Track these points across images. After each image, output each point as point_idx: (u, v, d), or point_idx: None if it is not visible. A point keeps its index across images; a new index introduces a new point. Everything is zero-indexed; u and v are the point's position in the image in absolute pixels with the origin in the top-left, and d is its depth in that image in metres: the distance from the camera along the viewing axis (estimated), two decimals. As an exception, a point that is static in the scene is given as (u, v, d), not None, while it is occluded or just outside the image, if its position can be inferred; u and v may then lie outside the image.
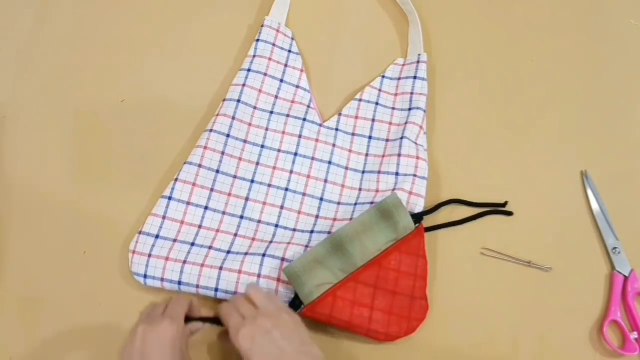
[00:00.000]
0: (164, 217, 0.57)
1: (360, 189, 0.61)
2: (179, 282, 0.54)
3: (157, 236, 0.56)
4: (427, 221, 0.59)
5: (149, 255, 0.55)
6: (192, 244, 0.56)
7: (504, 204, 0.61)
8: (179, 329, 0.46)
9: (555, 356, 0.55)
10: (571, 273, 0.58)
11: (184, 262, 0.54)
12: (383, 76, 0.67)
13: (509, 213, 0.61)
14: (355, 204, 0.59)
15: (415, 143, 0.62)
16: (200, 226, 0.57)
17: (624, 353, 0.54)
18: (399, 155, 0.60)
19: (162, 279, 0.54)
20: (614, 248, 0.59)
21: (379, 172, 0.61)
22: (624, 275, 0.57)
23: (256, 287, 0.52)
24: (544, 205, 0.61)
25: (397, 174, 0.60)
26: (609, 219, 0.60)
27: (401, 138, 0.62)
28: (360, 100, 0.65)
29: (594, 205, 0.61)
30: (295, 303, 0.53)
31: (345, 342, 0.55)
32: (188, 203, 0.58)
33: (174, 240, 0.56)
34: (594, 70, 0.69)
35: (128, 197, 0.60)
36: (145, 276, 0.54)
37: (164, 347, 0.44)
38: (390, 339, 0.53)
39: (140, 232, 0.56)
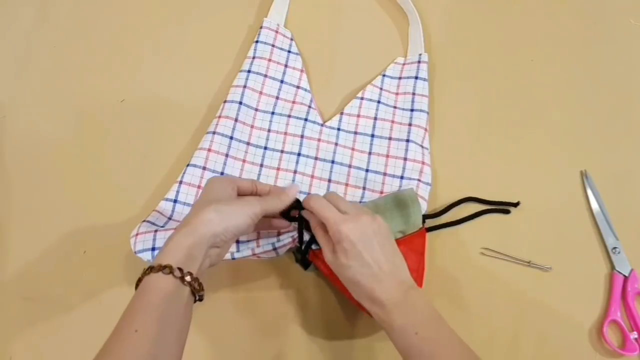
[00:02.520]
0: (170, 218, 0.57)
1: (364, 188, 0.61)
2: None
3: (162, 226, 0.55)
4: (427, 221, 0.59)
5: (156, 231, 0.53)
6: None
7: (517, 204, 0.61)
8: (229, 179, 0.49)
9: (555, 356, 0.55)
10: (571, 273, 0.58)
11: None
12: (384, 75, 0.67)
13: (507, 212, 0.61)
14: (360, 202, 0.60)
15: (422, 146, 0.62)
16: None
17: (624, 353, 0.54)
18: (405, 159, 0.61)
19: None
20: (614, 248, 0.59)
21: (384, 174, 0.61)
22: (624, 275, 0.57)
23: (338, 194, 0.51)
24: (544, 205, 0.61)
25: (402, 177, 0.60)
26: (609, 219, 0.60)
27: (407, 141, 0.62)
28: (362, 98, 0.65)
29: (594, 205, 0.61)
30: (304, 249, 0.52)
31: (346, 331, 0.55)
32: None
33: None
34: (594, 70, 0.69)
35: (128, 197, 0.60)
36: (153, 249, 0.52)
37: (221, 179, 0.49)
38: None
39: (144, 221, 0.55)
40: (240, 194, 0.50)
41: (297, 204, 0.51)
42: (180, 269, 0.41)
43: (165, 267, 0.40)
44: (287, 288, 0.57)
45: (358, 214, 0.46)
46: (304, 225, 0.51)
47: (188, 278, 0.41)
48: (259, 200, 0.48)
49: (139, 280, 0.41)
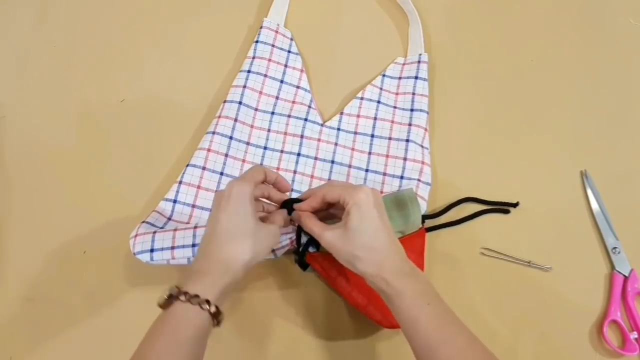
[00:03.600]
0: (169, 219, 0.57)
1: None
2: (194, 245, 0.51)
3: (161, 227, 0.55)
4: (427, 221, 0.59)
5: (154, 233, 0.52)
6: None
7: (516, 204, 0.61)
8: (249, 190, 0.46)
9: (555, 356, 0.55)
10: (571, 273, 0.58)
11: (195, 227, 0.52)
12: (384, 75, 0.67)
13: (507, 212, 0.61)
14: None
15: (422, 146, 0.62)
16: None
17: (624, 353, 0.54)
18: (405, 159, 0.61)
19: (172, 247, 0.51)
20: (614, 248, 0.59)
21: (384, 174, 0.61)
22: (624, 275, 0.57)
23: None
24: (544, 205, 0.61)
25: (402, 177, 0.60)
26: (609, 219, 0.60)
27: (407, 141, 0.62)
28: (362, 98, 0.65)
29: (594, 205, 0.61)
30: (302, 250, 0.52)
31: (346, 331, 0.55)
32: (194, 206, 0.58)
33: (184, 229, 0.54)
34: (594, 70, 0.69)
35: (128, 197, 0.60)
36: (152, 250, 0.51)
37: (237, 199, 0.45)
38: (387, 324, 0.52)
39: (143, 222, 0.55)
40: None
41: (288, 205, 0.51)
42: (217, 307, 0.42)
43: (204, 301, 0.41)
44: (286, 288, 0.57)
45: (361, 185, 0.47)
46: (302, 228, 0.51)
47: (213, 309, 0.42)
48: (280, 214, 0.49)
49: (170, 298, 0.41)
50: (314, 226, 0.48)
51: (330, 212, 0.52)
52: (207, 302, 0.41)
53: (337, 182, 0.49)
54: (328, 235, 0.46)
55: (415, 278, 0.44)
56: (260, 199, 0.52)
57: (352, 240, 0.45)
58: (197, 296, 0.41)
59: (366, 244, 0.45)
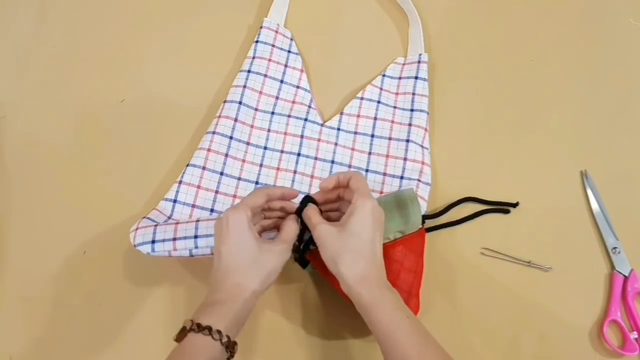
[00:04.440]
0: (169, 218, 0.57)
1: None
2: (196, 237, 0.51)
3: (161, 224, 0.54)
4: (427, 222, 0.59)
5: (156, 225, 0.52)
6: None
7: (515, 204, 0.61)
8: (245, 218, 0.46)
9: (555, 356, 0.55)
10: (571, 273, 0.58)
11: (198, 220, 0.52)
12: (384, 75, 0.67)
13: (507, 212, 0.61)
14: None
15: (422, 146, 0.62)
16: None
17: (624, 353, 0.54)
18: (405, 159, 0.61)
19: (174, 239, 0.51)
20: (614, 248, 0.59)
21: (384, 174, 0.61)
22: (624, 275, 0.57)
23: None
24: (544, 205, 0.61)
25: (402, 177, 0.60)
26: (609, 219, 0.60)
27: (407, 141, 0.62)
28: (362, 98, 0.65)
29: (594, 205, 0.61)
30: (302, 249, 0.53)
31: (345, 330, 0.55)
32: (194, 206, 0.58)
33: (186, 222, 0.54)
34: (594, 70, 0.69)
35: (128, 197, 0.60)
36: (153, 242, 0.51)
37: (235, 228, 0.46)
38: None
39: (144, 217, 0.55)
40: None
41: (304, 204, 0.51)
42: (228, 337, 0.42)
43: (216, 331, 0.42)
44: (285, 285, 0.57)
45: (372, 197, 0.48)
46: (304, 225, 0.51)
47: (225, 339, 0.42)
48: (289, 227, 0.49)
49: (183, 331, 0.42)
50: (312, 216, 0.48)
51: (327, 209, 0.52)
52: (219, 332, 0.42)
53: (364, 178, 0.51)
54: (323, 228, 0.47)
55: (393, 292, 0.46)
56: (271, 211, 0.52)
57: (344, 240, 0.46)
58: (209, 327, 0.41)
59: (356, 249, 0.45)
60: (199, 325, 0.42)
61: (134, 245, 0.51)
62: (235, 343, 0.44)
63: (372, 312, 0.44)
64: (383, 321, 0.43)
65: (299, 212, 0.51)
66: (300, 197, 0.52)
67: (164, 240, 0.51)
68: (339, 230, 0.46)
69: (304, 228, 0.51)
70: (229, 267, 0.45)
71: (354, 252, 0.45)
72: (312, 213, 0.49)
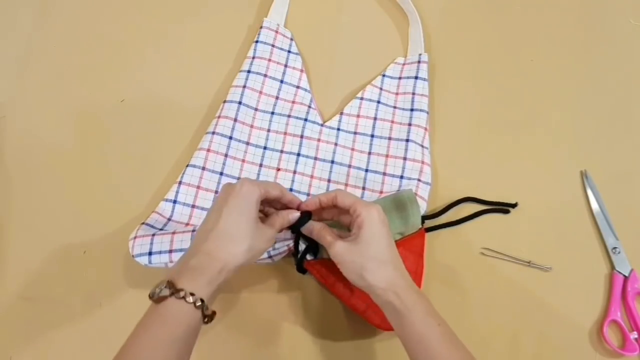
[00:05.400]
0: (169, 219, 0.57)
1: (364, 188, 0.61)
2: None
3: (160, 229, 0.55)
4: (426, 222, 0.59)
5: (153, 235, 0.52)
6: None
7: (515, 205, 0.61)
8: (258, 194, 0.45)
9: (555, 356, 0.55)
10: (571, 273, 0.58)
11: (193, 231, 0.52)
12: (384, 75, 0.67)
13: (507, 212, 0.61)
14: None
15: (422, 146, 0.62)
16: None
17: (624, 353, 0.54)
18: (405, 159, 0.61)
19: (170, 251, 0.51)
20: (614, 248, 0.59)
21: (384, 173, 0.61)
22: (624, 275, 0.57)
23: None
24: (544, 205, 0.61)
25: (402, 177, 0.60)
26: (609, 219, 0.60)
27: (407, 141, 0.62)
28: (362, 99, 0.65)
29: (594, 205, 0.61)
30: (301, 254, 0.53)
31: (346, 333, 0.55)
32: (194, 206, 0.58)
33: (182, 232, 0.54)
34: (594, 70, 0.69)
35: (128, 197, 0.60)
36: (150, 253, 0.51)
37: (245, 198, 0.45)
38: (385, 327, 0.51)
39: (142, 223, 0.55)
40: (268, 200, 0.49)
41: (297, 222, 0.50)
42: (212, 310, 0.42)
43: (199, 299, 0.41)
44: (286, 291, 0.57)
45: (370, 202, 0.48)
46: (300, 235, 0.52)
47: (209, 312, 0.42)
48: (279, 218, 0.49)
49: (160, 297, 0.41)
50: (327, 234, 0.48)
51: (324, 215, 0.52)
52: (202, 301, 0.41)
53: (349, 192, 0.50)
54: (339, 245, 0.46)
55: (424, 297, 0.45)
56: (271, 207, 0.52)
57: (363, 252, 0.45)
58: (192, 294, 0.40)
59: (378, 257, 0.45)
60: (181, 290, 0.40)
61: (132, 256, 0.52)
62: (214, 313, 0.43)
63: (404, 319, 0.43)
64: (415, 328, 0.43)
65: (297, 226, 0.50)
66: (301, 197, 0.52)
67: (160, 252, 0.51)
68: (354, 244, 0.46)
69: (298, 238, 0.52)
70: (225, 231, 0.43)
71: (376, 260, 0.45)
72: (325, 232, 0.48)
